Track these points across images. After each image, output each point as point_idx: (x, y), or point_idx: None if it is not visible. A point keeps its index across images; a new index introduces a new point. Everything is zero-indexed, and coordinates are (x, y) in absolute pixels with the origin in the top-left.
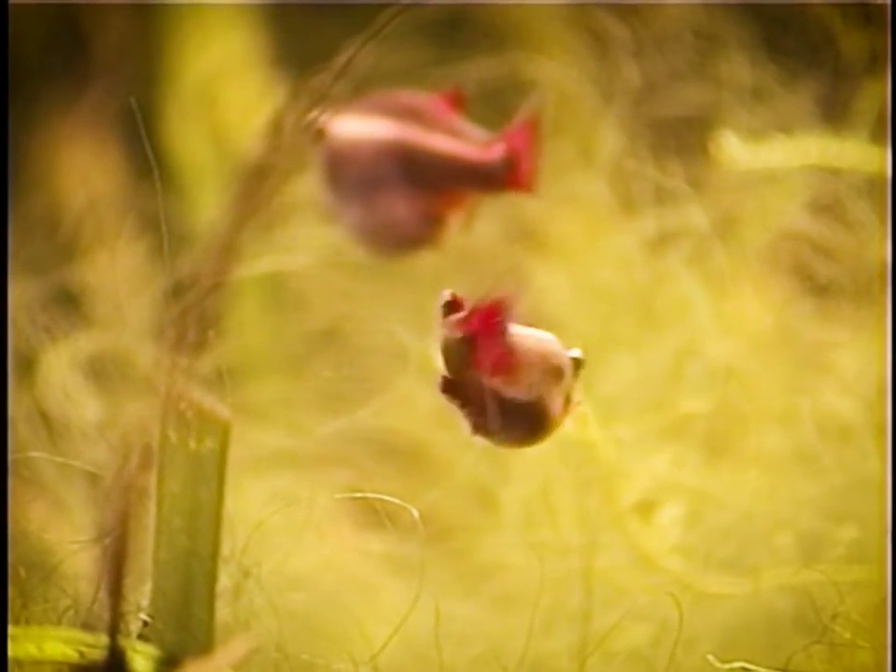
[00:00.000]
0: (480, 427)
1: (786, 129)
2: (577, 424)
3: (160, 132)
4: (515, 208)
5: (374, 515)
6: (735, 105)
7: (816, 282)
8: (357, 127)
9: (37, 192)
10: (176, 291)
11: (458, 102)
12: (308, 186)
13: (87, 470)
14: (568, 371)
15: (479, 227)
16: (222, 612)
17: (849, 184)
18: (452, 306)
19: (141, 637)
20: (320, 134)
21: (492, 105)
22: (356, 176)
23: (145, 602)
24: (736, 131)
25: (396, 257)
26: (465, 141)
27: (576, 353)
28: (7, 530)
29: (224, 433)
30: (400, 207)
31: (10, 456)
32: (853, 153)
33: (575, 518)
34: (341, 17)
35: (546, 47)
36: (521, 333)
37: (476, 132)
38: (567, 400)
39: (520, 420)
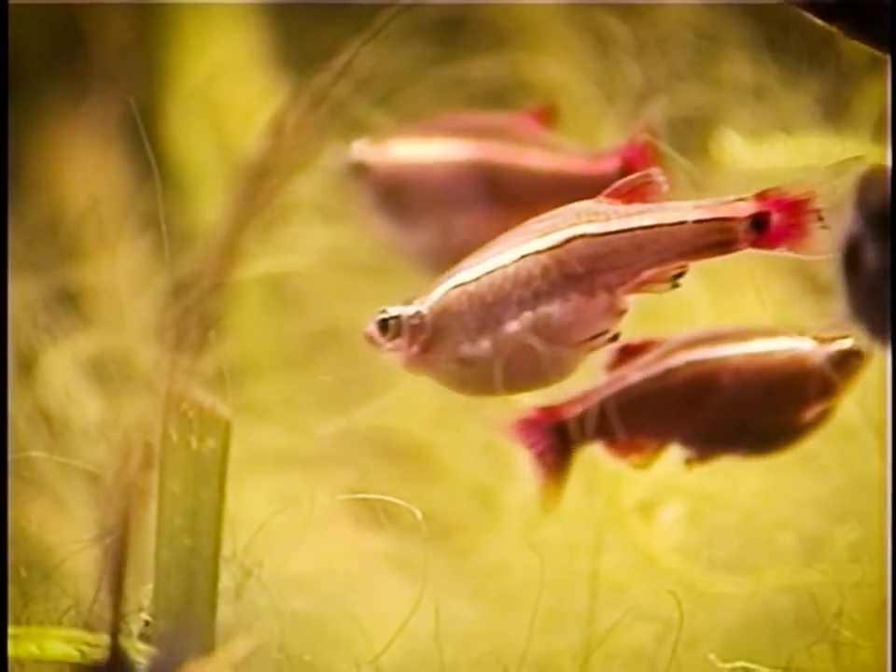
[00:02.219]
0: None
1: (787, 129)
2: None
3: (161, 132)
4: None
5: (376, 516)
6: (736, 104)
7: (817, 281)
8: (421, 151)
9: (38, 193)
10: (177, 291)
11: (548, 118)
12: (309, 186)
13: (88, 470)
14: None
15: (478, 226)
16: (224, 612)
17: (850, 183)
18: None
19: (143, 636)
20: (362, 168)
21: (493, 105)
22: (426, 200)
23: (146, 602)
24: (738, 130)
25: None
26: (566, 155)
27: None
28: (6, 530)
29: (225, 433)
30: (482, 227)
31: (11, 456)
32: (853, 153)
33: (576, 518)
34: (342, 17)
35: (547, 47)
36: None
37: (573, 146)
38: None
39: None
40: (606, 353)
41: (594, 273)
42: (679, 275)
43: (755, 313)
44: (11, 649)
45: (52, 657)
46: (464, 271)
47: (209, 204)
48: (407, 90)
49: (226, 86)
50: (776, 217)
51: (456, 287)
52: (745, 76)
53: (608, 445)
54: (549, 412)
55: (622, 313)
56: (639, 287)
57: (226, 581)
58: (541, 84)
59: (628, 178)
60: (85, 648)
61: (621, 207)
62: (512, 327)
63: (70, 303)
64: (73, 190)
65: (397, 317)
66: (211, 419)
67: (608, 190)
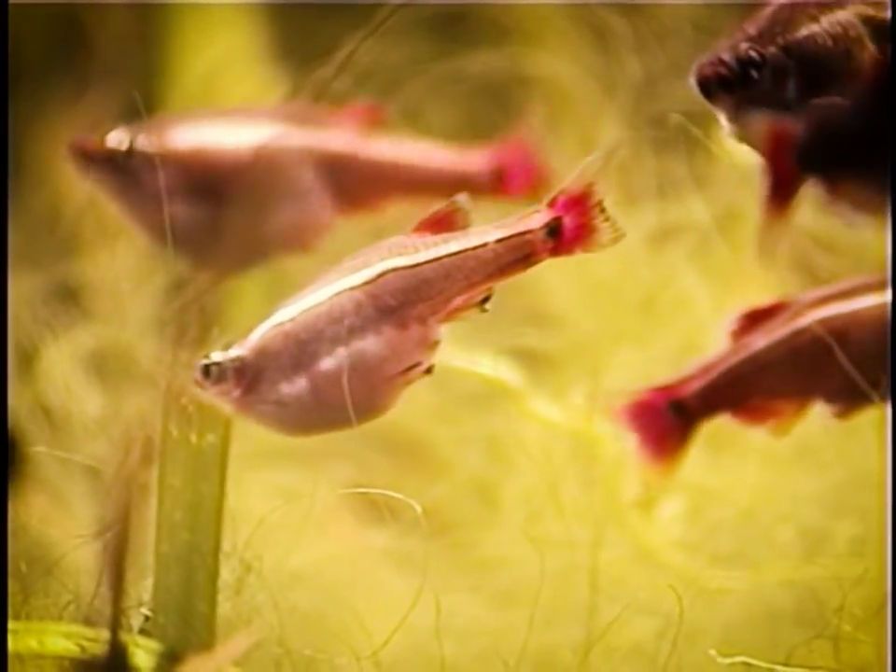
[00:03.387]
0: None
1: None
2: (579, 418)
3: None
4: (516, 205)
5: (376, 510)
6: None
7: (816, 275)
8: (219, 136)
9: (39, 188)
10: (177, 286)
11: (375, 118)
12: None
13: (88, 465)
14: None
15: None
16: (224, 607)
17: None
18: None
19: (143, 631)
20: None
21: (492, 100)
22: (235, 188)
23: (146, 597)
24: None
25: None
26: (429, 151)
27: None
28: (6, 525)
29: (225, 428)
30: (313, 217)
31: (10, 451)
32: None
33: (577, 513)
34: (341, 13)
35: (547, 42)
36: None
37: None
38: None
39: None
40: (730, 321)
41: (406, 305)
42: (486, 299)
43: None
44: (11, 644)
45: (52, 652)
46: (282, 310)
47: None
48: (407, 85)
49: (226, 82)
50: (567, 221)
51: (274, 326)
52: None
53: (738, 414)
54: (665, 391)
55: (435, 344)
56: (450, 316)
57: (226, 575)
58: (541, 79)
59: (435, 209)
60: (85, 643)
61: (429, 238)
62: (327, 364)
63: (70, 298)
64: (73, 186)
65: (219, 363)
66: (211, 414)
67: (416, 224)
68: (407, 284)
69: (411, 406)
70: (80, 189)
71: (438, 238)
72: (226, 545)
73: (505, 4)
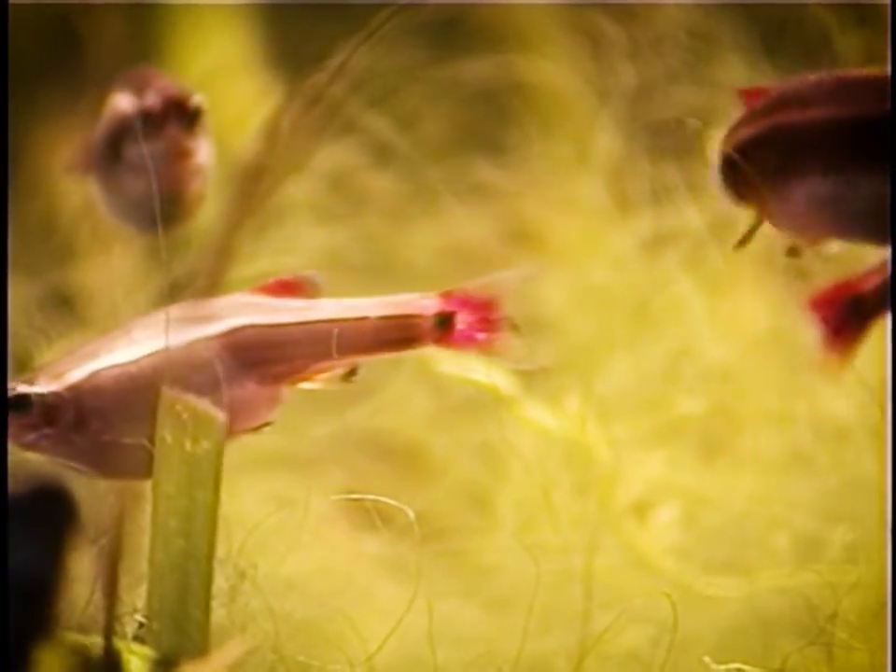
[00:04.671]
0: None
1: None
2: (573, 425)
3: None
4: (512, 209)
5: (371, 517)
6: (730, 106)
7: (813, 283)
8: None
9: (34, 194)
10: (173, 292)
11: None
12: (304, 187)
13: (82, 471)
14: None
15: (475, 229)
16: (218, 614)
17: None
18: None
19: (137, 638)
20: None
21: (487, 106)
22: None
23: (140, 603)
24: None
25: None
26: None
27: None
28: (7, 531)
29: (219, 434)
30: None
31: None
32: None
33: (571, 519)
34: (337, 17)
35: (542, 48)
36: None
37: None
38: None
39: None
40: None
41: (266, 362)
42: (353, 372)
43: (750, 313)
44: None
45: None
46: (114, 352)
47: (204, 205)
48: (402, 90)
49: (221, 87)
50: (461, 318)
51: (111, 367)
52: (739, 77)
53: None
54: (846, 287)
55: (280, 403)
56: (308, 379)
57: (220, 582)
58: (535, 85)
59: (281, 277)
60: (79, 650)
61: (291, 301)
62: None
63: (65, 305)
64: (68, 191)
65: (27, 395)
66: (205, 421)
67: (260, 286)
68: (267, 342)
69: (405, 413)
70: (75, 196)
71: (301, 302)
72: (220, 552)
73: (500, 10)
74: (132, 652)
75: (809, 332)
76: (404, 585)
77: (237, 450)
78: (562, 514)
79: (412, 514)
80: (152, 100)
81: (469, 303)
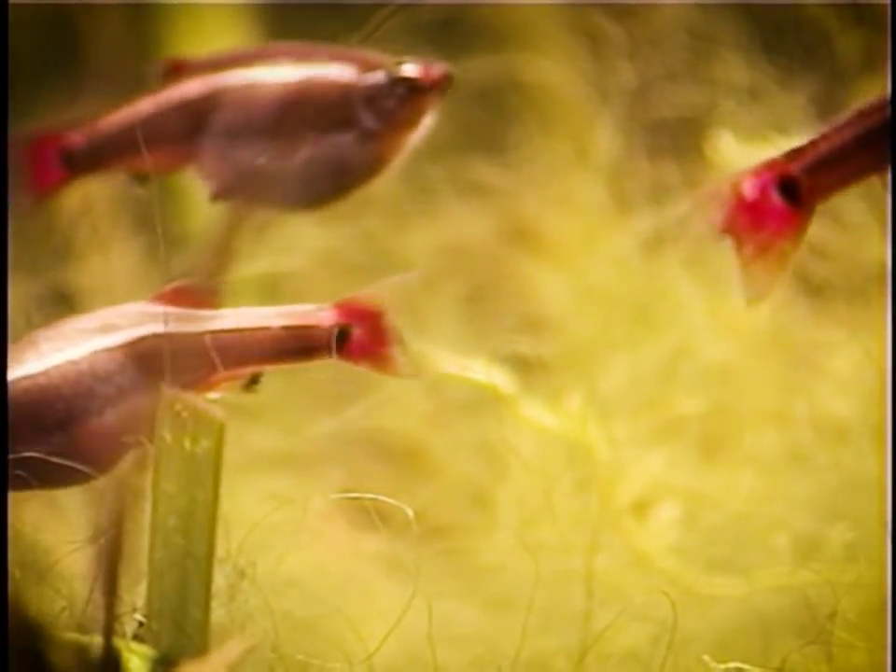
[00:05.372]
0: None
1: (781, 129)
2: (573, 424)
3: None
4: (512, 208)
5: (369, 515)
6: (730, 105)
7: (811, 282)
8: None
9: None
10: None
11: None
12: None
13: (82, 471)
14: None
15: (475, 228)
16: (217, 613)
17: None
18: None
19: (136, 637)
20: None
21: (487, 105)
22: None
23: (140, 603)
24: (732, 131)
25: None
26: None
27: None
28: (6, 531)
29: (219, 434)
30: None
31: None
32: None
33: (570, 518)
34: (337, 16)
35: (542, 47)
36: None
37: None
38: None
39: None
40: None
41: (172, 371)
42: (255, 380)
43: (750, 313)
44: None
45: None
46: (24, 363)
47: (204, 205)
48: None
49: None
50: (357, 332)
51: (21, 379)
52: (739, 76)
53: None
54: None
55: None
56: (213, 387)
57: (220, 581)
58: (535, 85)
59: (179, 284)
60: (79, 649)
61: (191, 311)
62: (98, 422)
63: (65, 304)
64: (67, 191)
65: None
66: (205, 420)
67: (155, 294)
68: (170, 352)
69: (405, 412)
70: (74, 195)
71: (204, 312)
72: (220, 551)
73: (500, 10)
74: (131, 651)
75: (805, 330)
76: (403, 584)
77: (236, 449)
78: (561, 513)
79: (410, 513)
80: (411, 71)
81: (362, 315)
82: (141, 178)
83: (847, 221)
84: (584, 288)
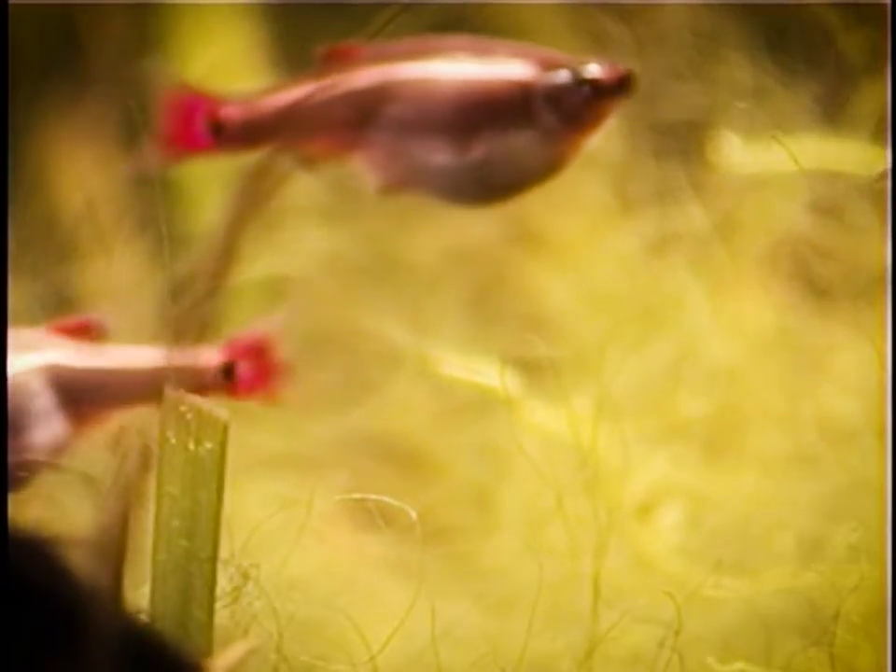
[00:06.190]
0: None
1: (785, 130)
2: (577, 425)
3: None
4: (516, 210)
5: (373, 517)
6: (734, 105)
7: (816, 284)
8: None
9: (36, 194)
10: (175, 293)
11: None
12: (307, 188)
13: (84, 472)
14: None
15: (479, 229)
16: (221, 614)
17: (849, 185)
18: None
19: None
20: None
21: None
22: None
23: (144, 605)
24: (736, 132)
25: None
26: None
27: None
28: (7, 532)
29: (223, 435)
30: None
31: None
32: (853, 154)
33: (577, 521)
34: (340, 16)
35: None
36: None
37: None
38: None
39: None
40: None
41: (70, 403)
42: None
43: (755, 314)
44: None
45: None
46: None
47: (207, 207)
48: None
49: (223, 85)
50: (243, 368)
51: None
52: (743, 76)
53: None
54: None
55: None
56: (101, 424)
57: (223, 583)
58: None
59: (70, 320)
60: None
61: (88, 345)
62: (38, 437)
63: (67, 305)
64: (70, 192)
65: None
66: (209, 421)
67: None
68: (71, 383)
69: (410, 414)
70: (77, 196)
71: (101, 348)
72: (223, 552)
73: (503, 10)
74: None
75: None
76: (407, 586)
77: (240, 451)
78: (566, 515)
79: (414, 515)
80: (595, 71)
81: (249, 351)
82: (307, 163)
83: (851, 222)
84: (589, 290)
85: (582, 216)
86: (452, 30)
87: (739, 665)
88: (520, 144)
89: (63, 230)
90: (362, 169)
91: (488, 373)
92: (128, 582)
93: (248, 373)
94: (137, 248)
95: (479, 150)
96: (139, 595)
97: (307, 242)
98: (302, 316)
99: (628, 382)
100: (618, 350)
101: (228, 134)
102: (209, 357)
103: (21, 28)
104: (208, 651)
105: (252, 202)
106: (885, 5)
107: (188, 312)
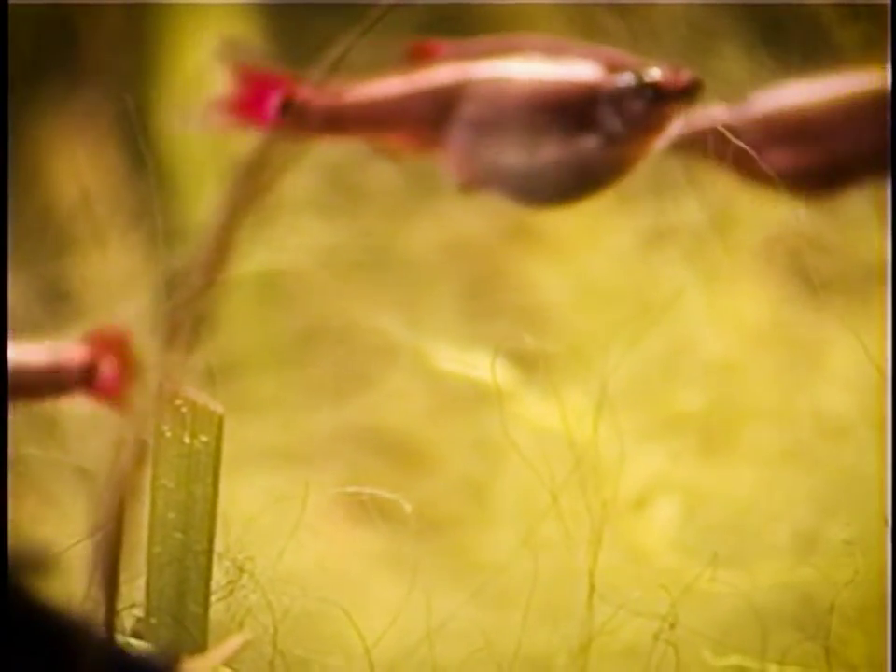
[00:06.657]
0: None
1: None
2: (572, 419)
3: (153, 128)
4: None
5: (368, 511)
6: (729, 99)
7: (811, 279)
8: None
9: (31, 188)
10: (170, 287)
11: None
12: (302, 183)
13: (80, 466)
14: None
15: (473, 223)
16: (216, 608)
17: None
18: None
19: (135, 633)
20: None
21: None
22: None
23: (138, 598)
24: None
25: None
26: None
27: None
28: (7, 528)
29: (218, 428)
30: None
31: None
32: None
33: (569, 514)
34: (334, 13)
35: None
36: None
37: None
38: None
39: None
40: None
41: None
42: None
43: (751, 308)
44: None
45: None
46: None
47: (202, 200)
48: None
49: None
50: (105, 367)
51: None
52: (739, 70)
53: None
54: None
55: None
56: None
57: (219, 576)
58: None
59: None
60: None
61: None
62: None
63: (62, 298)
64: (65, 186)
65: None
66: (204, 415)
67: None
68: None
69: (405, 408)
70: (72, 190)
71: None
72: (218, 546)
73: (499, 5)
74: (130, 647)
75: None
76: (402, 580)
77: (235, 444)
78: (561, 509)
79: (409, 508)
80: (659, 75)
81: (106, 345)
82: (390, 154)
83: (848, 217)
84: (585, 284)
85: (579, 210)
86: (451, 28)
87: (734, 658)
88: (585, 148)
89: (58, 223)
90: (443, 166)
91: (484, 367)
92: (123, 576)
93: (110, 373)
94: (132, 242)
95: (548, 152)
96: (134, 588)
97: (302, 235)
98: (297, 310)
99: (623, 376)
100: (613, 344)
101: (306, 117)
102: (73, 354)
103: (16, 23)
104: (203, 645)
105: (248, 195)
106: (884, 4)
107: (182, 305)
